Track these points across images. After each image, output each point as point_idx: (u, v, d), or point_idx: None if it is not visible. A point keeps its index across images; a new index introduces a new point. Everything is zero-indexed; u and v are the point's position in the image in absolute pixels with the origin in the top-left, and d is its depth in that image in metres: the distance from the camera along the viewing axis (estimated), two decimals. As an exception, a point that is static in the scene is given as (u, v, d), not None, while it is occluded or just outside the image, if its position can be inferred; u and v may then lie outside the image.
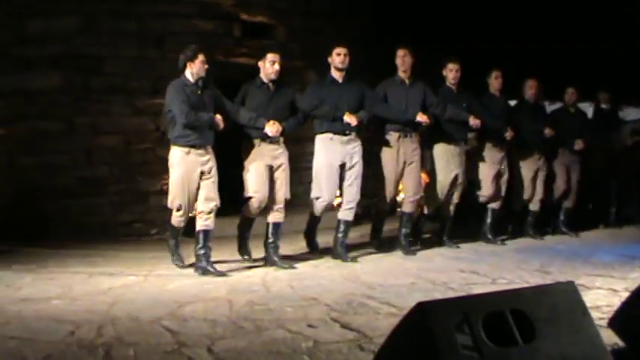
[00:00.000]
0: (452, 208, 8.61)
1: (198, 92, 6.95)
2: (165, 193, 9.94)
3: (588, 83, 10.24)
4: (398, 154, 8.05)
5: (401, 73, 8.20)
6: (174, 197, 7.07)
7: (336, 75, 7.75)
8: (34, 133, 10.04)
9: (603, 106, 10.49)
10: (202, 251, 6.90)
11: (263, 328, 4.73)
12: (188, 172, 6.92)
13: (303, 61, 10.86)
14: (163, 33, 10.14)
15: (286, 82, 8.05)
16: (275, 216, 7.39)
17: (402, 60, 8.16)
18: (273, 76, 7.35)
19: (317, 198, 7.66)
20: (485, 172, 8.88)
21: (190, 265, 7.12)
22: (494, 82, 8.96)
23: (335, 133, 7.59)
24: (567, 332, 2.98)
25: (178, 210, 7.13)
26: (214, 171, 7.04)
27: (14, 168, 10.13)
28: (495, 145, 8.89)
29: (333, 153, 7.61)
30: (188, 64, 6.95)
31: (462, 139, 8.58)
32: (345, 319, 4.93)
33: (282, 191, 7.38)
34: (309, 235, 8.08)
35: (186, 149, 6.90)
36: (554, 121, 9.48)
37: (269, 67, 7.33)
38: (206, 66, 6.99)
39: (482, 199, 8.94)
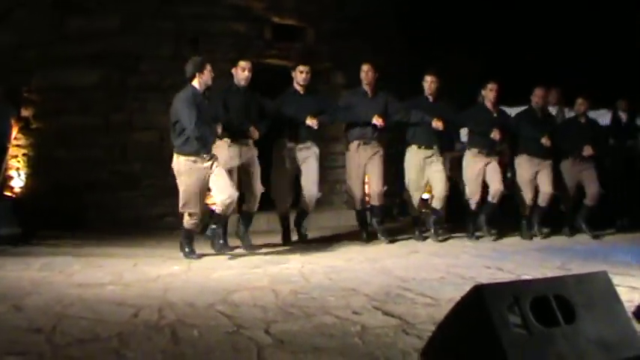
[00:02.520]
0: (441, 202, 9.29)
1: (206, 102, 7.50)
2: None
3: (607, 91, 10.52)
4: (359, 160, 8.98)
5: (364, 86, 9.01)
6: (187, 203, 7.59)
7: (299, 88, 8.74)
8: (72, 128, 10.47)
9: (621, 113, 10.75)
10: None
11: (310, 314, 5.08)
12: (199, 179, 7.47)
13: (332, 63, 11.22)
14: (198, 33, 10.52)
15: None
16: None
17: (366, 74, 8.94)
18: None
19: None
20: (468, 174, 9.50)
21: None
22: (489, 93, 9.36)
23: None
24: (603, 316, 3.36)
25: (191, 215, 7.65)
26: (215, 165, 7.58)
27: (52, 161, 10.55)
28: (481, 150, 9.41)
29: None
30: (197, 75, 7.39)
31: (431, 143, 9.16)
32: (386, 307, 5.28)
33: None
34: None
35: (193, 158, 7.43)
36: (564, 131, 9.80)
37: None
38: (213, 75, 7.48)
39: (469, 200, 9.53)
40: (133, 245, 8.72)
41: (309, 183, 8.74)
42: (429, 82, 9.11)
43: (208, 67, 7.37)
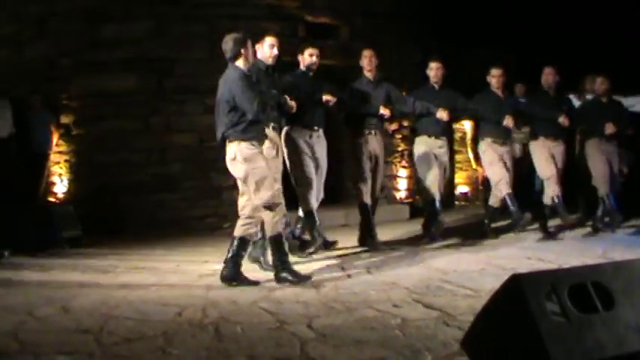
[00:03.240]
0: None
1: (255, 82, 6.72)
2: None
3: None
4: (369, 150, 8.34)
5: (367, 73, 8.48)
6: (267, 191, 6.17)
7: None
8: (111, 133, 10.65)
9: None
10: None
11: (352, 308, 5.14)
12: (269, 166, 6.42)
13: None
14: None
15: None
16: None
17: (369, 60, 8.43)
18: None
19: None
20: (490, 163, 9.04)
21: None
22: (493, 80, 8.98)
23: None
24: (642, 302, 3.37)
25: (276, 210, 6.24)
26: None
27: (92, 165, 10.75)
28: (495, 140, 8.96)
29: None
30: (242, 52, 6.32)
31: (438, 133, 8.71)
32: (426, 300, 5.33)
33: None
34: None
35: (255, 143, 6.34)
36: (587, 112, 9.44)
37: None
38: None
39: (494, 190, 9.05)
40: (174, 247, 8.84)
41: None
42: (434, 70, 8.71)
43: (250, 44, 6.39)
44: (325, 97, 7.70)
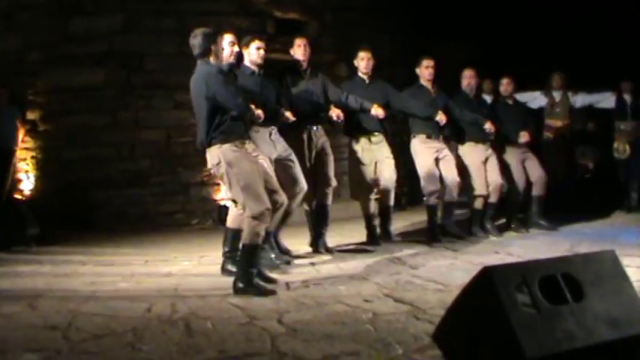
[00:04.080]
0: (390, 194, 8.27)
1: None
2: (203, 184, 10.56)
3: (611, 73, 10.51)
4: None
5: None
6: (257, 198, 5.72)
7: (255, 68, 7.01)
8: (79, 128, 10.54)
9: (625, 95, 10.69)
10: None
11: (322, 303, 5.14)
12: (258, 166, 5.94)
13: (335, 55, 11.24)
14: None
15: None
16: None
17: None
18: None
19: None
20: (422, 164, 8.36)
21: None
22: (424, 71, 8.41)
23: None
24: (611, 293, 3.38)
25: (262, 217, 5.72)
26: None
27: (61, 161, 10.65)
28: (430, 135, 8.36)
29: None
30: (213, 48, 5.90)
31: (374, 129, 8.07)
32: (397, 294, 5.34)
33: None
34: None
35: (239, 142, 5.91)
36: (496, 116, 8.86)
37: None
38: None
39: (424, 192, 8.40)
40: (143, 243, 8.81)
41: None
42: (365, 60, 8.04)
43: (220, 39, 6.03)
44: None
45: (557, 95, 10.57)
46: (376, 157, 8.04)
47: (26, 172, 10.92)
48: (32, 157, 10.93)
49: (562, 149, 10.63)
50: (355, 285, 5.75)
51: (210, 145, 5.80)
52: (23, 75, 10.83)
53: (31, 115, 10.93)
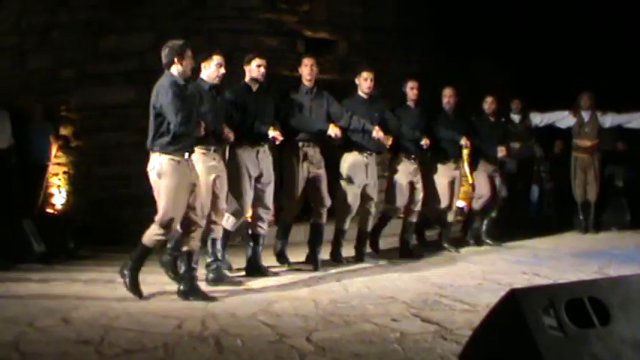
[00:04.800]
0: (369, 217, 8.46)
1: (191, 95, 6.46)
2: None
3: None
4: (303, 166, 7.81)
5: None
6: (168, 213, 6.23)
7: (253, 85, 7.45)
8: (110, 145, 10.67)
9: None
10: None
11: (351, 322, 5.20)
12: (184, 185, 6.26)
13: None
14: (232, 49, 10.65)
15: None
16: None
17: (310, 70, 7.89)
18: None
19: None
20: (398, 182, 8.64)
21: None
22: (410, 92, 8.67)
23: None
24: (639, 317, 3.42)
25: (166, 229, 6.32)
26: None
27: (92, 177, 10.80)
28: (408, 156, 8.65)
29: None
30: (177, 60, 6.14)
31: (373, 149, 8.25)
32: (424, 314, 5.39)
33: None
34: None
35: (178, 158, 6.27)
36: (473, 131, 9.32)
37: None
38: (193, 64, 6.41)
39: (389, 210, 8.81)
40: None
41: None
42: (368, 80, 8.17)
43: (189, 53, 6.17)
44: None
45: (585, 115, 10.59)
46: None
47: (58, 187, 11.09)
48: (64, 173, 11.10)
49: (591, 169, 10.65)
50: (383, 304, 5.81)
51: (152, 150, 6.26)
52: (56, 92, 11.01)
53: (63, 131, 11.11)
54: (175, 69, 6.11)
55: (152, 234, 6.27)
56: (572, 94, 10.64)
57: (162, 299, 6.23)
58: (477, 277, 7.07)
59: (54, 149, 11.02)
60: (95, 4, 10.90)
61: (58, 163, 11.11)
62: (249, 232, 7.62)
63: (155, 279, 7.18)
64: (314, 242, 7.95)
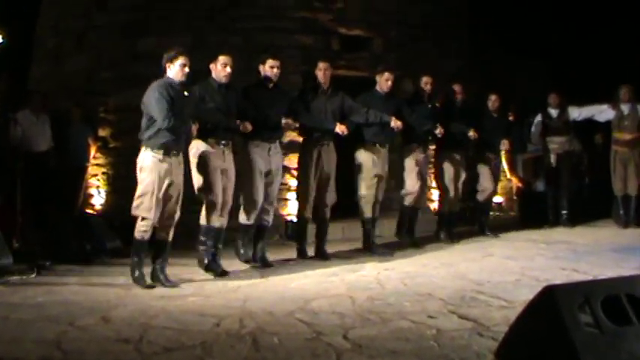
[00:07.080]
0: (378, 206, 8.98)
1: (185, 96, 6.93)
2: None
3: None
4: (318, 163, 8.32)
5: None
6: (140, 205, 6.86)
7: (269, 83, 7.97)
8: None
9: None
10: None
11: (387, 319, 5.20)
12: (161, 180, 6.79)
13: (400, 71, 11.27)
14: (268, 47, 10.70)
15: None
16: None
17: (324, 73, 8.40)
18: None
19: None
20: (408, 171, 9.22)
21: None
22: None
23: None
24: (678, 315, 3.38)
25: (144, 220, 6.91)
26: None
27: (131, 178, 10.80)
28: (419, 147, 9.26)
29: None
30: (168, 66, 6.86)
31: (385, 142, 8.83)
32: (461, 311, 5.37)
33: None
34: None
35: (160, 155, 6.74)
36: (479, 126, 9.76)
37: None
38: (187, 71, 6.85)
39: (405, 199, 9.35)
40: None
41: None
42: (388, 80, 8.83)
43: (180, 60, 6.73)
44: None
45: (625, 108, 10.50)
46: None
47: (97, 187, 11.23)
48: (103, 173, 11.24)
49: (631, 163, 10.54)
50: (420, 301, 5.80)
51: (141, 143, 6.73)
52: (95, 93, 11.18)
53: (102, 133, 11.26)
54: (168, 73, 6.78)
55: (137, 227, 6.89)
56: (611, 87, 10.53)
57: (200, 298, 6.27)
58: (515, 273, 7.02)
59: (93, 150, 11.16)
60: (132, 6, 11.00)
61: (97, 164, 11.26)
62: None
63: (192, 277, 7.27)
64: (321, 237, 8.58)
